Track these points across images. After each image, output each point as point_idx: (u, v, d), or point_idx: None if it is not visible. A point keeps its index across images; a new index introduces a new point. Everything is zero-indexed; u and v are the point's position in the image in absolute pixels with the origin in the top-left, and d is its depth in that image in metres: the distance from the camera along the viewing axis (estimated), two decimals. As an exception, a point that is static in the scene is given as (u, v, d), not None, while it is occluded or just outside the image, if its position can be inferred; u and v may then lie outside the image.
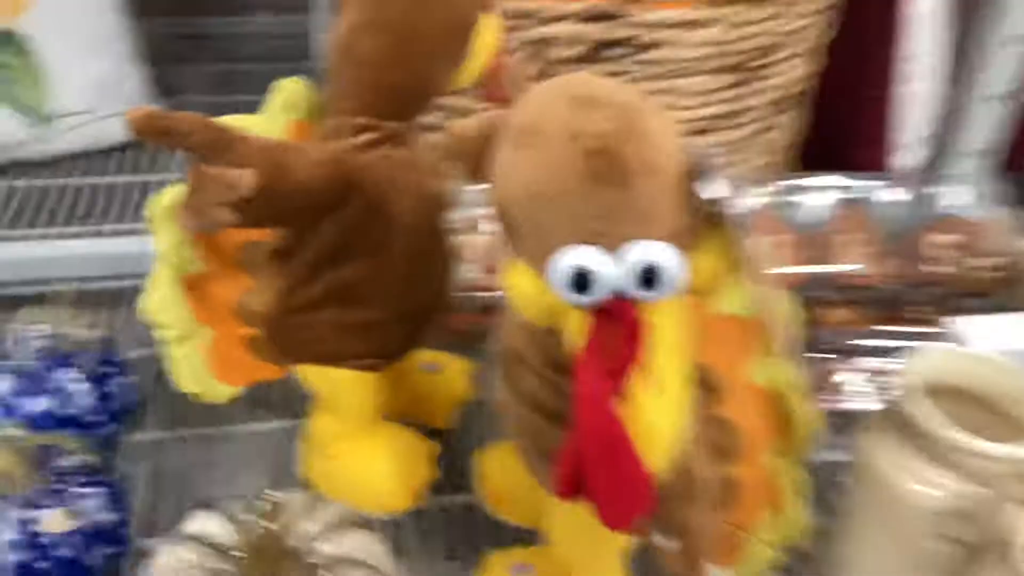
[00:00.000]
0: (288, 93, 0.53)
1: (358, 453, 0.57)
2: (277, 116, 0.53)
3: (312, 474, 0.59)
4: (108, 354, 0.61)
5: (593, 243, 0.34)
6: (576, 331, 0.35)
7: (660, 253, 0.34)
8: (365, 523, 0.38)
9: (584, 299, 0.34)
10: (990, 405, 0.47)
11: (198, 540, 0.36)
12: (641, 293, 0.34)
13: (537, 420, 0.43)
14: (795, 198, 0.71)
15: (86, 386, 0.58)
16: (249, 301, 0.54)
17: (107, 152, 0.92)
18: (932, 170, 0.79)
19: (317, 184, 0.48)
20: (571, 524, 0.48)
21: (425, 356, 0.63)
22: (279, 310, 0.54)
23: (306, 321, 0.53)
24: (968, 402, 0.47)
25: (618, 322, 0.34)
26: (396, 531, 0.57)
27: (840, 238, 0.70)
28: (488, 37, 0.50)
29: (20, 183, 0.87)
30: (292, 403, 0.66)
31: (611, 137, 0.33)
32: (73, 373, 0.58)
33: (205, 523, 0.37)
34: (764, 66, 0.70)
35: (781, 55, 0.70)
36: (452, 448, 0.64)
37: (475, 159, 0.43)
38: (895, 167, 0.88)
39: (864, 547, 0.48)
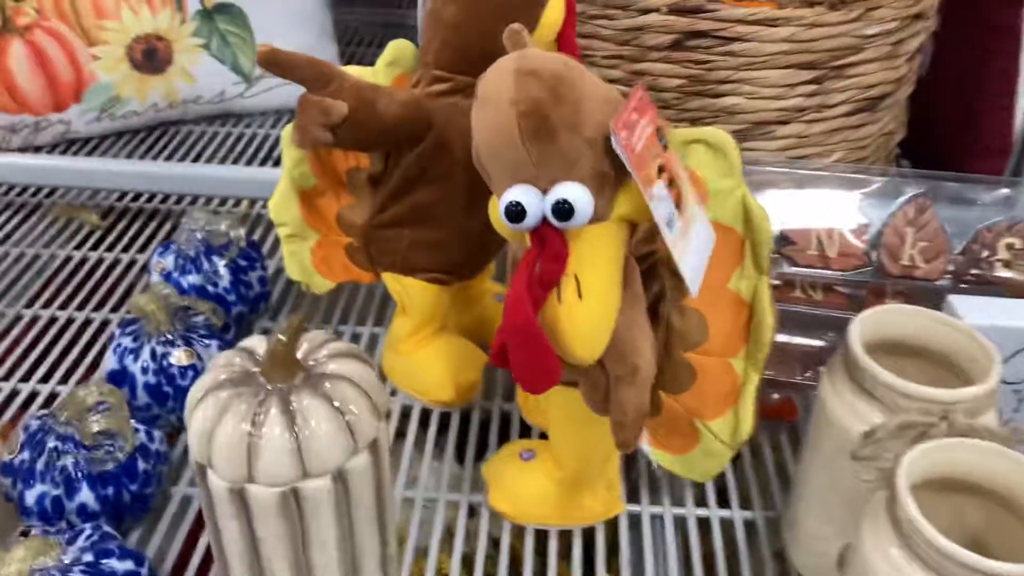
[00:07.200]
0: (395, 51, 0.66)
1: (420, 352, 0.69)
2: (385, 70, 0.66)
3: (385, 366, 0.72)
4: (249, 251, 0.76)
5: (528, 184, 0.43)
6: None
7: (573, 191, 0.42)
8: (364, 358, 0.49)
9: (519, 227, 0.43)
10: (934, 359, 0.52)
11: (243, 349, 0.49)
12: (558, 223, 0.43)
13: None
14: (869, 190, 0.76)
15: (227, 271, 0.74)
16: (348, 214, 0.68)
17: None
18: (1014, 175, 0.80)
19: (399, 119, 0.60)
20: (560, 422, 0.58)
21: (496, 288, 0.75)
22: (370, 224, 0.67)
23: (390, 235, 0.66)
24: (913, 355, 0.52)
25: (546, 244, 0.43)
26: (442, 424, 0.69)
27: (905, 231, 0.74)
28: (555, 10, 0.61)
29: (229, 129, 1.06)
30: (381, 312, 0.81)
31: (541, 102, 0.41)
32: (220, 260, 0.74)
33: (254, 341, 0.50)
34: (844, 66, 0.75)
35: (862, 57, 0.75)
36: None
37: None
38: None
39: (810, 468, 0.54)
